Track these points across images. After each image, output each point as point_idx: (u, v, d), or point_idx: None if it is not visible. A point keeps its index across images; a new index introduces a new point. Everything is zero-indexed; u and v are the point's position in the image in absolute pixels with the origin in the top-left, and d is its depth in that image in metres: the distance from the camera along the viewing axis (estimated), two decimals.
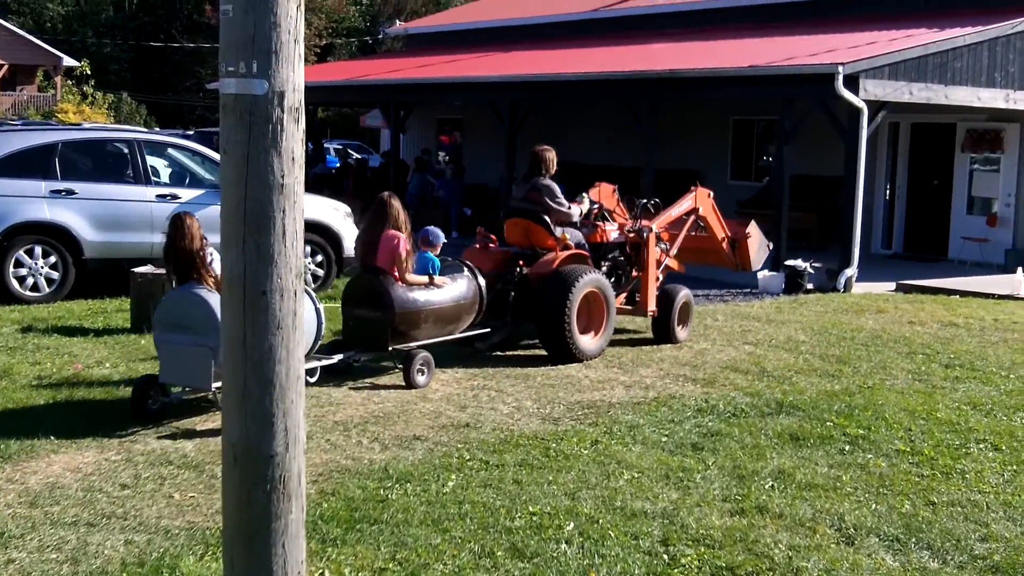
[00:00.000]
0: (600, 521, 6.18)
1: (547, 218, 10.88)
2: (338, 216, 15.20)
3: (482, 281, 10.31)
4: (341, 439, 7.82)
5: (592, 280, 10.66)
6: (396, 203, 9.78)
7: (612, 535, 5.97)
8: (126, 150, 14.32)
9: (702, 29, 23.76)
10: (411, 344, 9.63)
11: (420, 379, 9.42)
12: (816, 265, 16.81)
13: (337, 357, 9.45)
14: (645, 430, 8.18)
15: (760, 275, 16.70)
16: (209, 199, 14.23)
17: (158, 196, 14.05)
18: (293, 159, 4.01)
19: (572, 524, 6.12)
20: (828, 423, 8.40)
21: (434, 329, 9.83)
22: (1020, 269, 16.67)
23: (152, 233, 13.70)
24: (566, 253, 10.82)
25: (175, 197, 14.10)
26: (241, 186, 3.96)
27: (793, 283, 16.56)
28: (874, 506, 6.54)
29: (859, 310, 14.31)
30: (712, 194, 12.87)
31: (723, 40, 21.91)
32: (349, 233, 15.21)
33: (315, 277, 14.93)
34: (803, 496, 6.68)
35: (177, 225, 8.33)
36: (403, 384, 9.51)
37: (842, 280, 16.63)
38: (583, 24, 27.29)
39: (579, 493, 6.66)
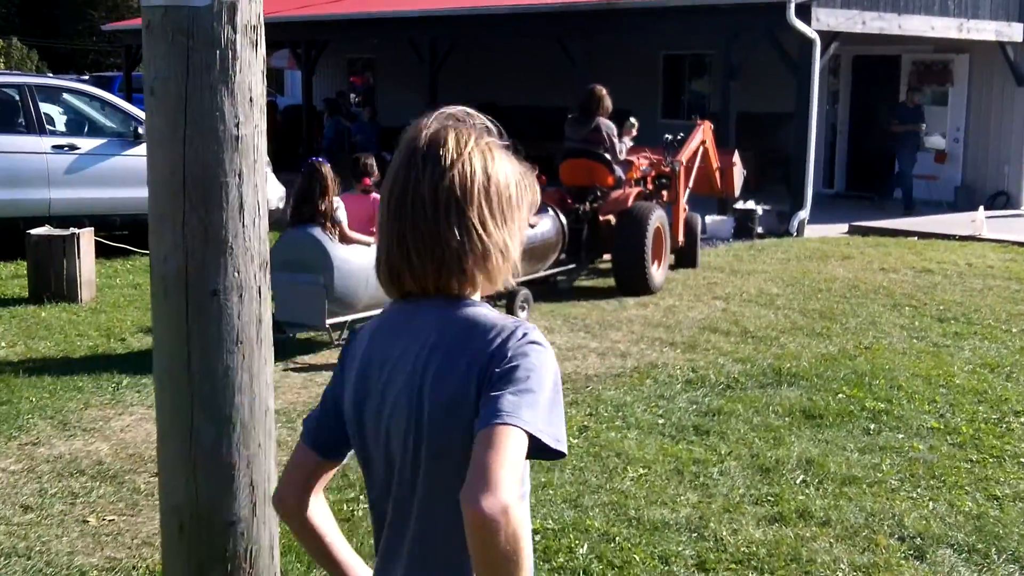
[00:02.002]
0: (617, 539, 5.08)
1: (608, 157, 11.08)
2: None
3: (563, 219, 10.57)
4: (285, 433, 6.61)
5: (660, 215, 11.12)
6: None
7: (636, 559, 4.87)
8: (16, 96, 12.75)
9: None
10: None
11: (522, 315, 9.39)
12: (766, 208, 15.86)
13: None
14: (635, 409, 7.10)
15: (708, 219, 15.68)
16: (111, 148, 12.83)
17: (54, 147, 12.55)
18: (251, 100, 2.79)
19: (585, 545, 5.01)
20: (840, 395, 7.38)
21: (527, 267, 9.80)
22: (981, 208, 15.86)
23: (49, 188, 12.26)
24: (637, 190, 11.26)
25: (73, 148, 12.62)
26: (177, 141, 2.73)
27: (743, 227, 15.59)
28: (932, 505, 5.52)
29: (823, 256, 13.36)
30: (713, 126, 13.09)
31: None
32: (268, 183, 13.84)
33: None
34: (845, 494, 5.63)
35: (310, 174, 8.32)
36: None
37: (795, 223, 15.70)
38: None
39: (582, 499, 5.55)
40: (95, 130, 13.16)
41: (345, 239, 8.43)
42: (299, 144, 24.54)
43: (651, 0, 16.94)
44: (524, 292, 9.74)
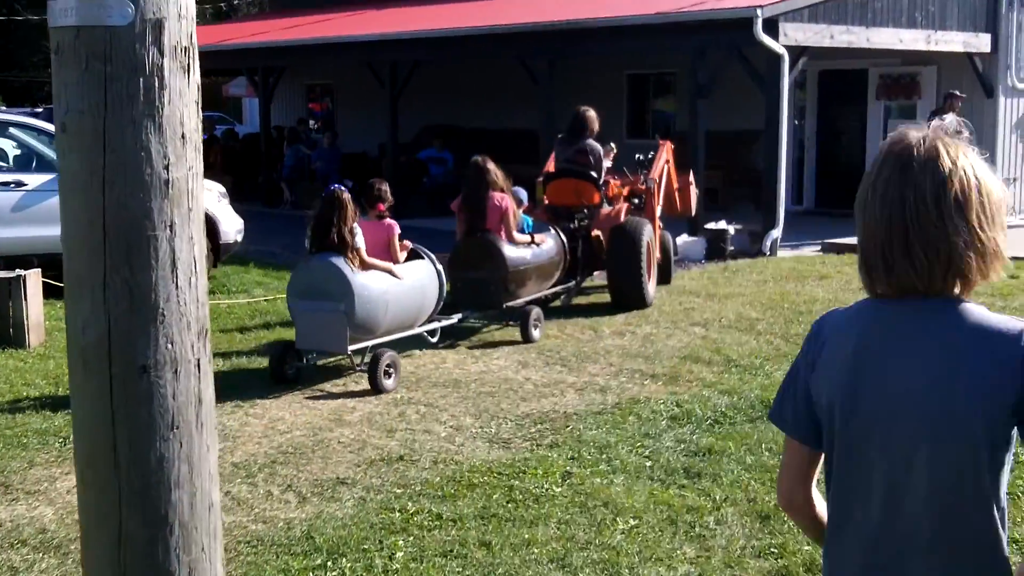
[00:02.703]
0: None
1: (595, 176, 11.30)
2: (211, 197, 13.29)
3: (564, 238, 10.82)
4: (245, 490, 6.13)
5: (650, 231, 11.27)
6: (492, 165, 9.95)
7: None
8: None
9: None
10: (518, 301, 9.95)
11: (536, 333, 9.73)
12: (737, 227, 15.50)
13: (456, 317, 9.65)
14: (620, 451, 6.66)
15: (680, 240, 15.31)
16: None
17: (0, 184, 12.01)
18: (184, 137, 2.33)
19: None
20: None
21: (535, 286, 10.26)
22: None
23: None
24: (626, 206, 11.55)
25: (20, 184, 12.08)
26: (96, 188, 2.28)
27: (715, 248, 15.23)
28: None
29: (799, 277, 12.99)
30: (674, 146, 13.08)
31: None
32: (226, 216, 13.36)
33: None
34: None
35: (330, 201, 8.34)
36: (305, 401, 7.85)
37: (767, 243, 15.34)
38: None
39: (570, 558, 5.09)
40: (44, 165, 12.61)
41: (364, 265, 8.41)
42: (259, 173, 24.04)
43: (615, 19, 16.56)
44: (536, 311, 9.89)
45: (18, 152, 12.97)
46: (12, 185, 12.02)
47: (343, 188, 8.55)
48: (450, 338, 9.84)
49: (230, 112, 46.21)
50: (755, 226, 15.68)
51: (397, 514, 5.69)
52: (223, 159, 25.82)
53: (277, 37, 23.32)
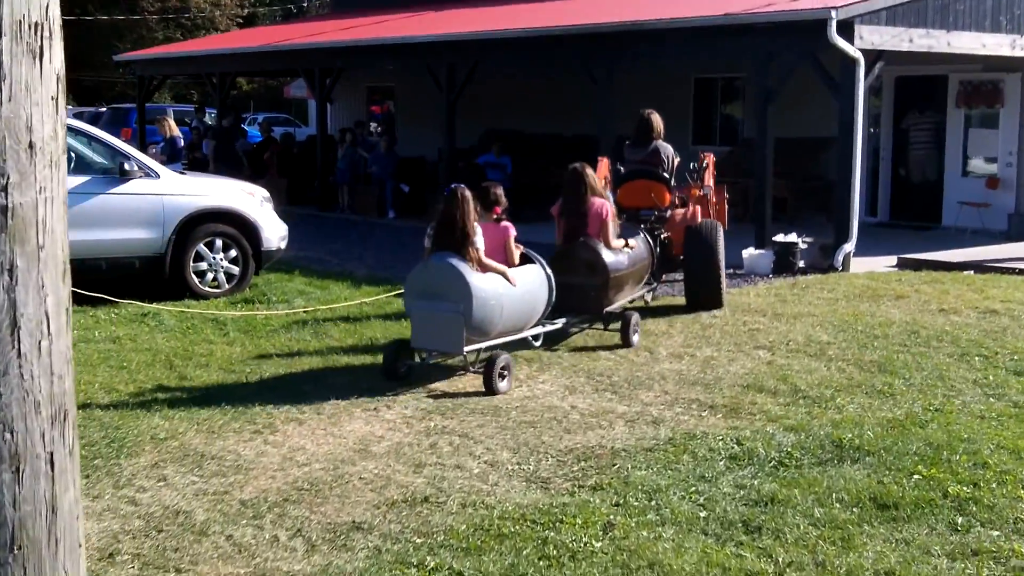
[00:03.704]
0: None
1: (667, 177, 11.33)
2: (253, 202, 12.76)
3: (651, 240, 10.86)
4: (250, 534, 5.49)
5: (722, 233, 11.37)
6: (590, 171, 10.05)
7: None
8: None
9: None
10: (614, 305, 10.01)
11: (635, 338, 9.79)
12: (808, 240, 14.66)
13: (560, 322, 9.65)
14: (671, 497, 5.93)
15: (745, 253, 14.54)
16: (95, 187, 11.79)
17: None
18: (32, 146, 1.67)
19: None
20: (915, 476, 6.19)
21: (630, 290, 10.39)
22: None
23: None
24: (698, 208, 11.56)
25: None
26: None
27: (784, 262, 14.40)
28: None
29: (874, 295, 12.14)
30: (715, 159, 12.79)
31: None
32: (268, 221, 12.80)
33: (229, 276, 12.49)
34: None
35: (454, 198, 8.38)
36: (326, 429, 7.22)
37: (839, 257, 14.48)
38: None
39: None
40: (79, 167, 12.11)
41: (482, 266, 8.43)
42: (315, 176, 23.54)
43: (679, 20, 15.80)
44: (635, 316, 10.00)
45: None
46: None
47: (463, 186, 8.59)
48: (548, 342, 9.63)
49: (295, 114, 46.00)
50: (826, 239, 14.84)
51: (414, 570, 5.02)
52: (279, 161, 25.39)
53: (334, 37, 22.82)
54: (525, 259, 9.12)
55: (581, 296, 9.68)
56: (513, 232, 9.04)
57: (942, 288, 12.48)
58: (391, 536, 5.45)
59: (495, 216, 9.09)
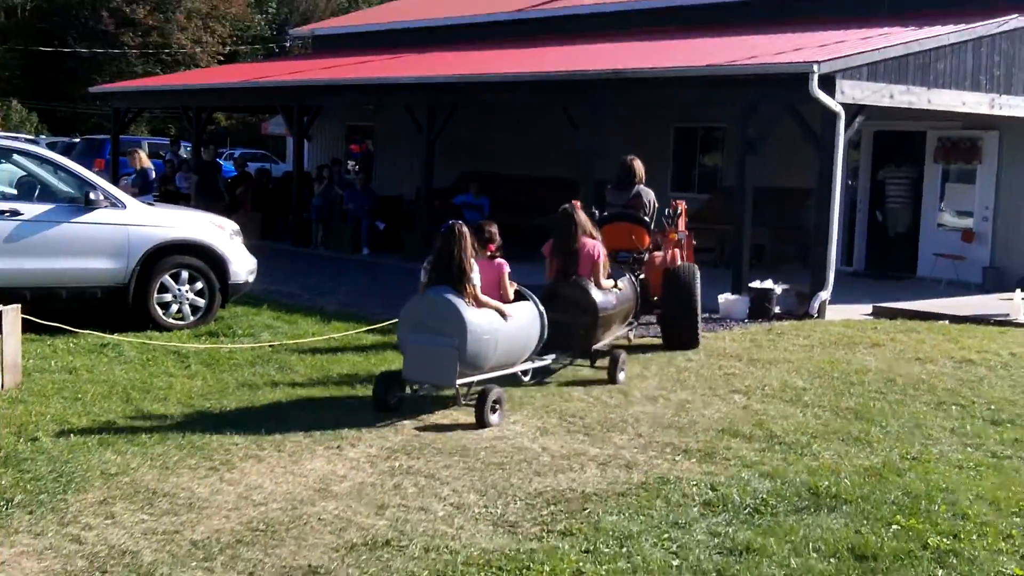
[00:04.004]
0: None
1: (648, 221, 11.63)
2: (222, 235, 12.50)
3: (635, 281, 11.04)
4: None
5: (698, 275, 11.56)
6: (581, 212, 10.29)
7: None
8: None
9: (645, 30, 21.27)
10: (600, 344, 10.16)
11: (621, 376, 9.89)
12: (785, 287, 14.52)
13: (549, 358, 9.73)
14: (642, 544, 5.70)
15: (721, 298, 14.39)
16: (58, 215, 11.53)
17: None
18: None
19: None
20: (893, 527, 5.99)
21: (616, 329, 10.55)
22: (1019, 291, 14.48)
23: None
24: (676, 251, 11.64)
25: (15, 213, 11.32)
26: None
27: (760, 307, 14.25)
28: None
29: (849, 343, 11.99)
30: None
31: (671, 40, 19.52)
32: (237, 255, 12.54)
33: (194, 308, 12.21)
34: None
35: (451, 234, 8.47)
36: (285, 466, 6.96)
37: (815, 304, 14.33)
38: (512, 25, 24.56)
39: None
40: (45, 195, 11.87)
41: (478, 302, 8.49)
42: (289, 212, 23.33)
43: (661, 70, 15.73)
44: (623, 355, 10.11)
45: (17, 180, 12.26)
46: (7, 214, 11.26)
47: (461, 223, 8.67)
48: (538, 375, 9.77)
49: (272, 150, 45.84)
50: (802, 286, 14.71)
51: None
52: (254, 197, 25.18)
53: (314, 76, 22.70)
54: (519, 296, 9.22)
55: (569, 334, 9.77)
56: (507, 269, 9.13)
57: (918, 337, 12.35)
58: None
59: (489, 253, 9.17)
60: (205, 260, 12.28)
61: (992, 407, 9.03)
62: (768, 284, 14.32)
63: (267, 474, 6.88)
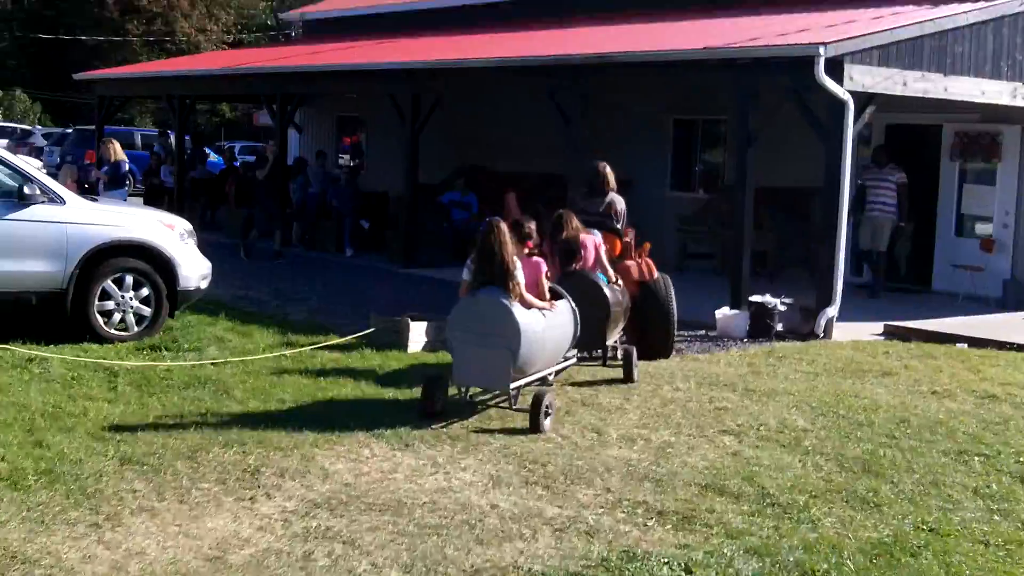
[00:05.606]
0: None
1: (619, 229, 11.34)
2: (171, 236, 11.36)
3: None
4: None
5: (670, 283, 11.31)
6: (574, 216, 10.33)
7: None
8: None
9: (641, 13, 20.03)
10: (609, 342, 10.13)
11: (636, 373, 9.92)
12: (787, 301, 13.34)
13: (573, 355, 9.59)
14: None
15: (719, 313, 13.24)
16: None
17: None
18: None
19: None
20: None
21: (618, 327, 10.36)
22: None
23: None
24: (648, 261, 11.30)
25: None
26: None
27: (760, 324, 13.08)
28: None
29: (858, 370, 10.83)
30: None
31: (667, 23, 18.31)
32: (188, 258, 11.41)
33: (139, 318, 11.09)
34: None
35: (491, 232, 8.39)
36: (181, 524, 5.83)
37: (821, 322, 13.14)
38: (504, 7, 23.36)
39: None
40: None
41: (524, 301, 8.39)
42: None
43: (653, 53, 14.54)
44: (635, 351, 10.09)
45: None
46: None
47: (499, 218, 8.61)
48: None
49: (262, 140, 44.66)
50: (807, 300, 13.52)
51: None
52: (238, 192, 24.08)
53: (295, 62, 21.57)
54: (553, 293, 9.13)
55: (587, 328, 9.50)
56: (545, 267, 9.04)
57: (934, 364, 11.18)
58: None
59: (527, 250, 9.08)
60: (152, 264, 11.17)
61: (1021, 459, 7.86)
62: (769, 299, 13.15)
63: (156, 534, 5.75)
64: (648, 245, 11.68)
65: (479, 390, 8.80)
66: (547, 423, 8.14)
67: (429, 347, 11.09)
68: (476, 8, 24.02)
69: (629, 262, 11.17)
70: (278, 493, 6.49)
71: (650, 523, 6.27)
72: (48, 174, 13.71)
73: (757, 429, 8.42)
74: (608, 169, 11.61)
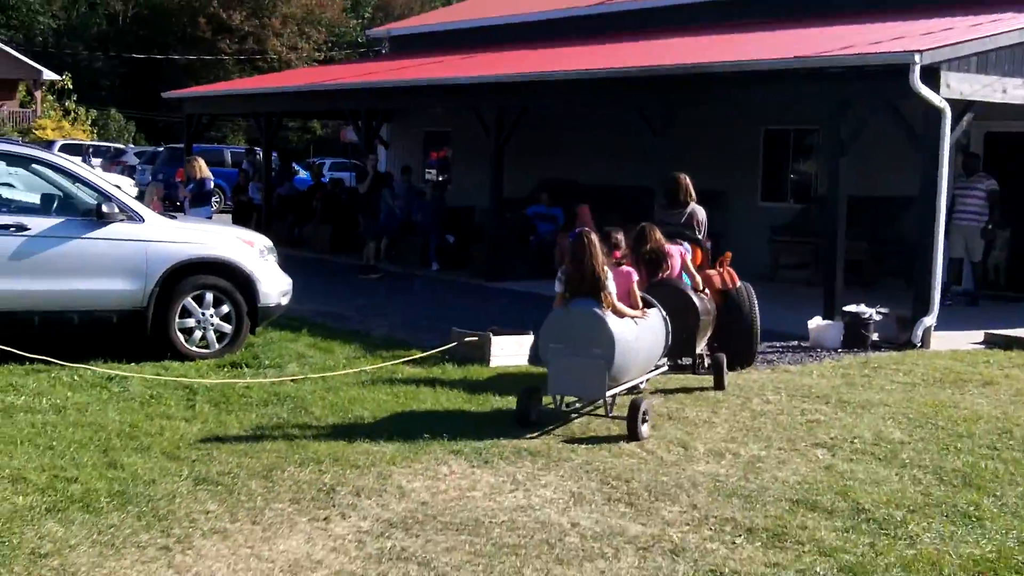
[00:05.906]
0: None
1: (702, 240, 11.28)
2: (251, 253, 11.32)
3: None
4: None
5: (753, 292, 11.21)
6: (656, 229, 10.29)
7: None
8: None
9: (727, 24, 19.73)
10: (698, 350, 10.11)
11: (727, 380, 10.05)
12: (882, 311, 12.92)
13: (664, 363, 9.62)
14: None
15: (811, 324, 12.87)
16: (68, 230, 10.49)
17: None
18: None
19: None
20: None
21: (706, 335, 10.30)
22: None
23: None
24: (729, 270, 11.18)
25: (21, 228, 10.29)
26: None
27: (855, 335, 12.69)
28: None
29: (957, 380, 10.41)
30: None
31: (755, 33, 17.97)
32: (267, 274, 11.37)
33: (220, 335, 11.06)
34: None
35: (580, 243, 8.45)
36: (253, 546, 5.68)
37: (919, 332, 12.71)
38: (589, 20, 23.24)
39: None
40: (63, 207, 10.83)
41: (616, 311, 8.42)
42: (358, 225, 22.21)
43: (744, 63, 14.22)
44: (724, 358, 10.15)
45: (32, 191, 11.25)
46: (12, 229, 10.23)
47: (590, 230, 8.68)
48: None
49: (352, 157, 44.93)
50: (903, 310, 13.09)
51: None
52: (324, 208, 24.20)
53: (380, 78, 21.57)
54: (644, 302, 9.15)
55: (676, 338, 9.49)
56: (635, 277, 9.04)
57: None
58: None
59: (615, 260, 9.08)
60: (232, 280, 11.14)
61: None
62: (864, 309, 12.74)
63: (226, 557, 5.61)
64: (729, 254, 11.48)
65: (574, 399, 8.78)
66: (644, 429, 8.15)
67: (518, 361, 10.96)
68: (561, 21, 23.93)
69: (711, 271, 11.06)
70: (353, 512, 6.33)
71: (738, 541, 5.99)
72: (139, 192, 13.81)
73: (851, 442, 8.07)
74: (688, 180, 11.48)
